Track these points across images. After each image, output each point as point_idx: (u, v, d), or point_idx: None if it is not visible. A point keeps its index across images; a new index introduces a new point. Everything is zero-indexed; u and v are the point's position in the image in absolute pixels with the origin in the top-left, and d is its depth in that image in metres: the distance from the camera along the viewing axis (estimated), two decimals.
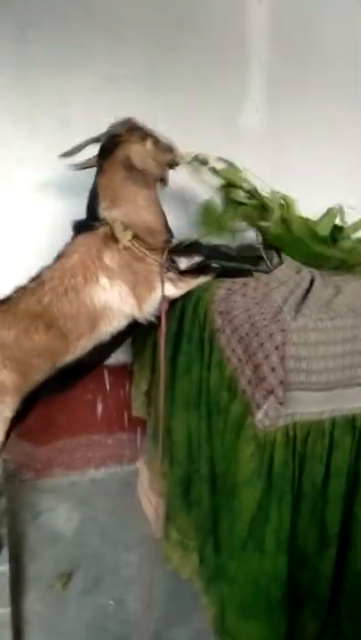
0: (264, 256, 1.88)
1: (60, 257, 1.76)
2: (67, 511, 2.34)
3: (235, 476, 1.37)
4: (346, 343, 1.39)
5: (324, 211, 2.12)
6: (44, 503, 2.39)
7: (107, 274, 1.69)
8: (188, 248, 1.87)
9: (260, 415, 1.29)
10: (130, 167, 1.75)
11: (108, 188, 1.76)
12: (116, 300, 1.70)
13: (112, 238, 1.71)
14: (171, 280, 1.77)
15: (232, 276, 1.76)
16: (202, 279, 1.80)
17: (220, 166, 2.00)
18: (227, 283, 1.68)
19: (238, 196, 2.02)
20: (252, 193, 2.00)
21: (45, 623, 1.80)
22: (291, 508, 1.39)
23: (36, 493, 2.45)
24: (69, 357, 1.73)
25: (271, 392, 1.27)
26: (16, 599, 1.85)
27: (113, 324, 1.73)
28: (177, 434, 1.73)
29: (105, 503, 2.41)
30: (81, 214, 1.83)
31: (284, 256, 1.85)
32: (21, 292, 1.74)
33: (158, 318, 1.75)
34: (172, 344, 1.79)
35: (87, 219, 1.80)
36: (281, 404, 1.27)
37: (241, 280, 1.70)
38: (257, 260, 1.88)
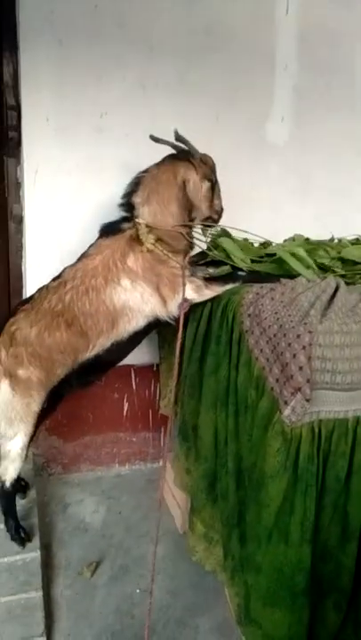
0: None
1: (82, 257, 1.86)
2: (93, 504, 2.44)
3: (262, 469, 1.44)
4: None
5: (346, 220, 2.18)
6: (72, 496, 2.49)
7: (129, 276, 1.78)
8: (225, 277, 1.92)
9: (287, 411, 1.36)
10: (181, 187, 1.84)
11: (154, 181, 1.83)
12: (136, 301, 1.78)
13: (137, 241, 1.79)
14: (196, 285, 1.84)
15: (259, 281, 1.82)
16: (229, 286, 1.87)
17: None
18: (255, 287, 1.75)
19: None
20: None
21: (75, 607, 1.89)
22: (315, 502, 1.45)
23: (63, 486, 2.55)
24: (89, 353, 1.82)
25: (298, 389, 1.34)
26: (47, 584, 1.95)
27: (132, 324, 1.82)
28: (203, 430, 1.80)
29: (129, 498, 2.50)
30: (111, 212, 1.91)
31: None
32: (44, 291, 1.85)
33: (182, 318, 1.83)
34: (200, 345, 1.87)
35: (116, 221, 1.87)
36: (307, 400, 1.34)
37: (268, 285, 1.76)
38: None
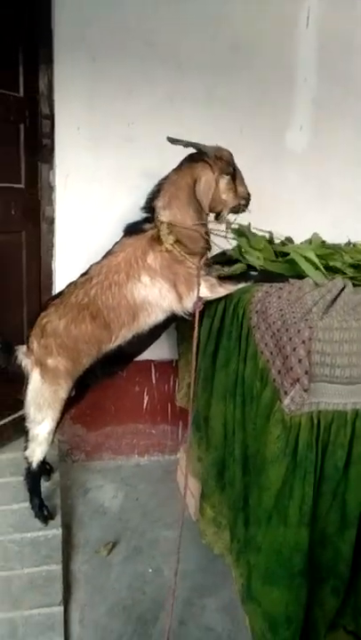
0: None
1: (107, 255, 1.99)
2: (112, 490, 2.59)
3: (263, 454, 1.55)
4: None
5: None
6: (93, 482, 2.64)
7: (148, 273, 1.90)
8: (238, 277, 2.01)
9: (287, 400, 1.47)
10: (195, 186, 1.94)
11: (174, 186, 1.95)
12: (155, 296, 1.90)
13: (157, 241, 1.91)
14: (210, 283, 1.95)
15: (270, 280, 1.93)
16: (241, 285, 1.97)
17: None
18: (265, 286, 1.85)
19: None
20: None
21: (91, 582, 2.03)
22: (313, 488, 1.54)
23: (85, 473, 2.71)
24: (112, 345, 1.96)
25: (297, 380, 1.45)
26: (66, 560, 2.10)
27: (151, 317, 1.94)
28: (214, 421, 1.92)
29: (147, 486, 2.64)
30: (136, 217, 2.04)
31: None
32: (72, 286, 2.00)
33: (198, 315, 1.94)
34: (214, 340, 1.98)
35: (139, 222, 2.00)
36: (305, 391, 1.44)
37: (278, 285, 1.87)
38: None
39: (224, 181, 1.97)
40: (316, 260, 1.97)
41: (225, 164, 1.95)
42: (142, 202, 2.02)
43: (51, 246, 2.52)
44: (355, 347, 1.52)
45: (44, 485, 2.27)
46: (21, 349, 2.05)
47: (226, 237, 2.09)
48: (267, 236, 2.21)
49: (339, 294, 1.74)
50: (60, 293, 2.03)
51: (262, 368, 1.61)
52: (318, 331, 1.48)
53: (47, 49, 2.29)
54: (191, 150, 1.95)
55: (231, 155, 1.96)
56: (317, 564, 1.68)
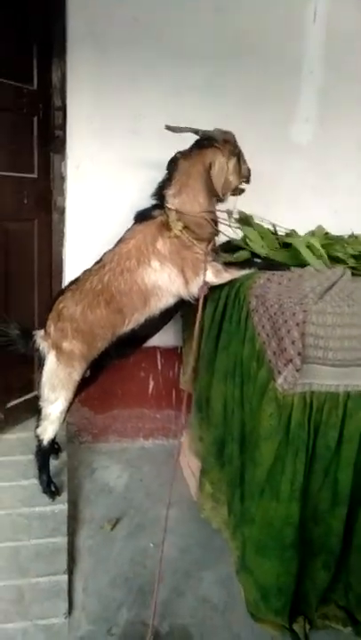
0: None
1: (119, 242, 2.06)
2: (118, 470, 2.68)
3: (257, 431, 1.63)
4: None
5: None
6: (99, 462, 2.74)
7: (158, 258, 1.97)
8: (242, 263, 2.08)
9: (280, 380, 1.54)
10: (208, 172, 1.99)
11: (185, 175, 2.00)
12: (165, 281, 1.98)
13: (166, 227, 1.97)
14: (216, 269, 2.02)
15: (272, 269, 1.99)
16: (246, 271, 2.04)
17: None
18: (268, 274, 1.93)
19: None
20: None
21: (95, 554, 2.13)
22: (304, 465, 1.62)
23: (92, 454, 2.81)
24: (125, 328, 2.04)
25: (290, 361, 1.52)
26: (72, 534, 2.20)
27: (162, 301, 2.01)
28: (215, 401, 2.00)
29: (151, 468, 2.73)
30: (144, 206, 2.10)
31: None
32: (87, 273, 2.08)
33: (202, 300, 2.02)
34: (217, 324, 2.05)
35: (149, 208, 2.05)
36: (298, 371, 1.52)
37: (280, 272, 1.94)
38: None
39: (232, 163, 2.01)
40: (319, 247, 2.03)
41: (232, 147, 1.99)
42: (151, 190, 2.08)
43: (61, 235, 2.60)
44: (347, 331, 1.59)
45: (53, 464, 2.36)
46: (39, 333, 2.15)
47: (230, 226, 2.15)
48: (271, 227, 2.28)
49: (336, 282, 1.81)
50: (77, 280, 2.10)
51: (259, 349, 1.69)
52: (312, 314, 1.55)
53: (61, 42, 2.37)
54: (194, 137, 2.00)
55: (234, 135, 2.01)
56: (309, 540, 1.76)
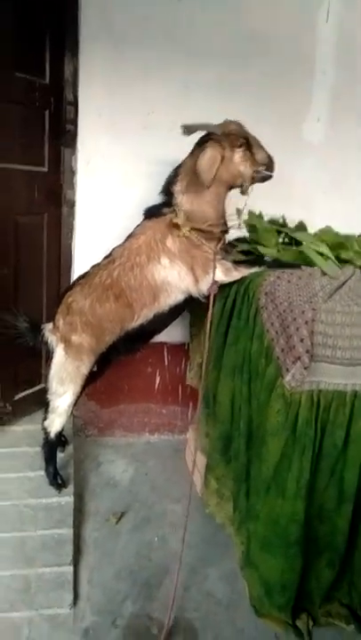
0: None
1: (129, 237, 2.06)
2: (123, 464, 2.70)
3: (265, 427, 1.63)
4: None
5: None
6: (105, 456, 2.76)
7: (168, 255, 1.97)
8: (252, 262, 2.06)
9: (288, 377, 1.55)
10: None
11: (190, 172, 1.98)
12: (174, 278, 1.98)
13: (176, 225, 1.96)
14: (225, 267, 2.02)
15: (282, 267, 1.98)
16: (255, 269, 2.03)
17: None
18: (277, 271, 1.92)
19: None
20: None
21: (100, 547, 2.15)
22: (311, 463, 1.63)
23: (98, 447, 2.82)
24: (134, 323, 2.04)
25: (298, 358, 1.53)
26: (78, 526, 2.22)
27: (171, 297, 2.01)
28: (222, 396, 2.01)
29: (156, 462, 2.74)
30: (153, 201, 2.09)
31: None
32: (96, 267, 2.08)
33: (212, 298, 2.02)
34: (226, 320, 2.06)
35: (158, 205, 2.05)
36: (306, 369, 1.52)
37: (290, 270, 1.93)
38: None
39: (238, 154, 1.96)
40: (329, 253, 2.01)
41: (234, 138, 1.94)
42: (160, 187, 2.08)
43: (71, 229, 2.61)
44: (356, 330, 1.59)
45: (59, 456, 2.38)
46: (47, 327, 2.16)
47: (239, 225, 2.14)
48: (280, 220, 2.26)
49: (346, 281, 1.81)
50: (85, 274, 2.11)
51: (267, 346, 1.69)
52: (321, 313, 1.56)
53: (73, 37, 2.37)
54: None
55: (240, 125, 1.95)
56: (315, 538, 1.77)
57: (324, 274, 1.87)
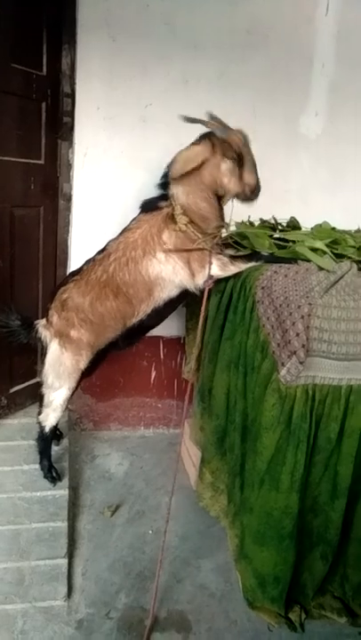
0: None
1: (124, 231, 2.04)
2: (118, 458, 2.71)
3: (259, 421, 1.64)
4: None
5: None
6: (100, 449, 2.76)
7: (163, 249, 1.96)
8: (249, 256, 2.04)
9: (283, 371, 1.55)
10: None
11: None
12: (168, 272, 1.97)
13: (172, 219, 1.96)
14: (222, 262, 2.01)
15: (279, 261, 1.98)
16: (252, 263, 2.02)
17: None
18: (274, 266, 1.91)
19: None
20: None
21: (94, 539, 2.15)
22: (305, 457, 1.63)
23: (93, 441, 2.83)
24: (135, 319, 2.04)
25: (294, 353, 1.53)
26: (72, 519, 2.22)
27: (165, 292, 2.01)
28: (217, 390, 2.01)
29: (151, 456, 2.75)
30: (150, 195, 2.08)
31: None
32: (91, 263, 2.06)
33: (206, 292, 2.02)
34: (222, 314, 2.06)
35: (155, 198, 2.03)
36: (301, 363, 1.53)
37: (287, 265, 1.93)
38: None
39: (226, 165, 1.93)
40: (326, 249, 2.00)
41: (228, 148, 1.90)
42: (157, 180, 2.06)
43: (67, 222, 2.60)
44: (352, 325, 1.60)
45: (54, 450, 2.38)
46: (40, 323, 2.15)
47: (230, 239, 2.11)
48: (271, 220, 2.26)
49: (342, 276, 1.81)
50: (79, 270, 2.09)
51: (263, 341, 1.70)
52: (317, 308, 1.56)
53: (71, 29, 2.35)
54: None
55: (243, 140, 1.91)
56: (308, 531, 1.78)
57: (320, 269, 1.87)
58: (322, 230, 2.30)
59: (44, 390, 2.18)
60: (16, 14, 2.17)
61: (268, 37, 2.44)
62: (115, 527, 2.23)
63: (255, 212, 2.22)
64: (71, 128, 2.46)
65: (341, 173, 2.68)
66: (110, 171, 2.51)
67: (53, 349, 2.11)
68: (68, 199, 2.57)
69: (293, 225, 2.27)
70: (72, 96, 2.43)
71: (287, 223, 2.26)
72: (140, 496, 2.43)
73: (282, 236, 2.13)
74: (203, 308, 2.01)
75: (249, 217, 2.24)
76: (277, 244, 2.10)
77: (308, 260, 1.96)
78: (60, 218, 2.61)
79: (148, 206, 2.04)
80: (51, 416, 2.20)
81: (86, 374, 2.29)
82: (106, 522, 2.26)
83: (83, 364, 2.13)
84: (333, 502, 1.74)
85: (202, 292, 2.01)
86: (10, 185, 2.34)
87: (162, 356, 2.87)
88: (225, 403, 1.96)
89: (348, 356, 1.61)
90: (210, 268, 1.98)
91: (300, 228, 2.27)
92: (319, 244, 1.99)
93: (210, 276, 1.99)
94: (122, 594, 1.92)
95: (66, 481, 2.31)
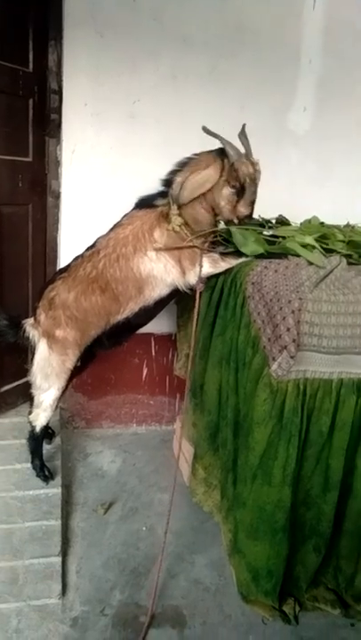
0: None
1: (115, 227, 2.02)
2: (111, 455, 2.71)
3: (251, 416, 1.64)
4: (356, 316, 1.62)
5: None
6: (92, 447, 2.76)
7: (154, 247, 1.95)
8: (239, 252, 2.01)
9: (274, 366, 1.56)
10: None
11: (196, 170, 1.92)
12: (160, 270, 1.96)
13: (165, 218, 1.95)
14: (212, 259, 2.01)
15: (269, 257, 1.98)
16: (242, 259, 2.02)
17: None
18: (265, 261, 1.92)
19: None
20: None
21: (88, 537, 2.15)
22: (297, 451, 1.64)
23: (85, 439, 2.82)
24: (120, 317, 2.03)
25: (285, 348, 1.54)
26: (65, 517, 2.22)
27: (156, 291, 2.00)
28: (209, 386, 2.02)
29: (144, 453, 2.75)
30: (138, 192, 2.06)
31: None
32: (80, 259, 2.04)
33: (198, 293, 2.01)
34: (213, 311, 2.06)
35: (152, 196, 2.01)
36: (292, 357, 1.53)
37: (277, 260, 1.93)
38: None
39: (226, 192, 1.91)
40: (315, 244, 2.01)
41: (233, 176, 1.88)
42: (146, 178, 2.03)
43: (56, 219, 2.59)
44: (341, 319, 1.61)
45: (46, 448, 2.38)
46: (28, 322, 2.13)
47: (219, 237, 2.10)
48: (259, 219, 2.25)
49: (332, 270, 1.82)
50: (67, 267, 2.07)
51: (254, 336, 1.70)
52: (308, 302, 1.57)
53: (57, 24, 2.33)
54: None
55: (251, 174, 1.87)
56: (301, 524, 1.80)
57: (310, 264, 1.88)
58: (311, 226, 2.31)
59: (34, 391, 2.16)
60: (1, 10, 2.15)
61: (256, 33, 2.44)
62: (108, 524, 2.23)
63: None
64: (59, 125, 2.44)
65: (330, 168, 2.69)
66: (99, 167, 2.50)
67: (42, 349, 2.10)
68: (57, 196, 2.56)
69: (282, 222, 2.28)
70: (59, 92, 2.41)
71: (276, 220, 2.27)
72: (133, 493, 2.43)
73: (271, 233, 2.14)
74: (195, 312, 2.00)
75: None
76: (267, 240, 2.11)
77: (298, 256, 1.98)
78: (48, 215, 2.60)
79: (144, 203, 2.02)
80: (41, 416, 2.19)
81: (77, 372, 2.28)
82: (99, 519, 2.25)
83: (70, 364, 2.12)
84: (325, 495, 1.75)
85: (193, 290, 2.01)
86: None
87: (153, 353, 2.87)
88: (217, 398, 1.97)
89: (339, 349, 1.62)
90: (201, 267, 1.97)
91: (289, 225, 2.27)
92: (309, 240, 2.00)
93: (201, 279, 1.98)
94: (116, 591, 1.92)
95: (59, 479, 2.31)
